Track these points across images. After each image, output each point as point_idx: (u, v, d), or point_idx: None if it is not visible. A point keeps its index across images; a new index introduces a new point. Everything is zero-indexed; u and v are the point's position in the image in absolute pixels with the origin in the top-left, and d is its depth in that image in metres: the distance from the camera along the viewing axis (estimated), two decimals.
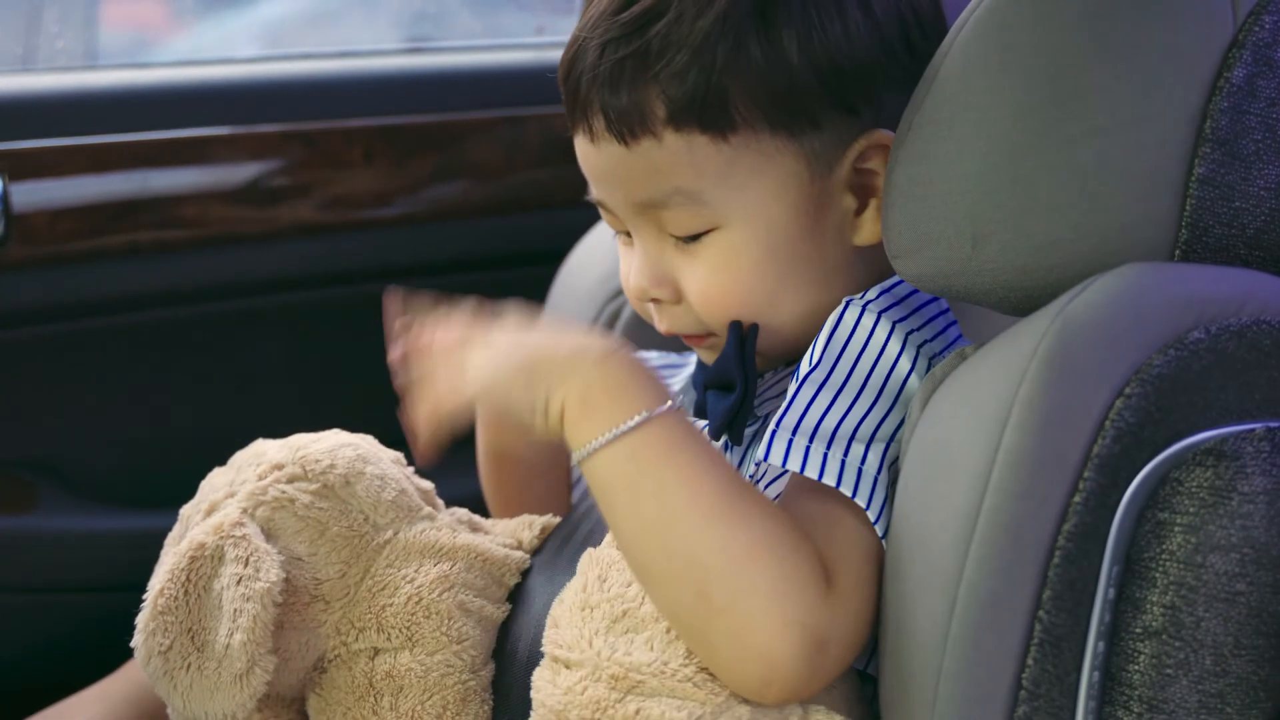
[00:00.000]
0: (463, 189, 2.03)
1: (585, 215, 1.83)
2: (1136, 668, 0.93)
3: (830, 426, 1.09)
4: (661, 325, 1.22)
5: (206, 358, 1.96)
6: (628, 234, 1.21)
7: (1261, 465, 0.92)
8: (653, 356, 1.41)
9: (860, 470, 1.06)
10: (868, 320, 1.12)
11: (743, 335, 1.17)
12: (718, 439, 1.18)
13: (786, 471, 1.10)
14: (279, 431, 1.97)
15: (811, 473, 1.06)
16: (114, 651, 1.47)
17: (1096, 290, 0.97)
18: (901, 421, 1.10)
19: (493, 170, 2.03)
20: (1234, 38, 0.99)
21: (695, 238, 1.16)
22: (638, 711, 1.01)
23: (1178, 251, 1.00)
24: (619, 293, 1.63)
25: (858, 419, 1.10)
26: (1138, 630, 0.93)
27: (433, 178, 2.01)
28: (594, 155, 1.16)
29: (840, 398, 1.10)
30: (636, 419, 1.05)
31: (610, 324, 1.62)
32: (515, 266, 2.04)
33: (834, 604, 1.02)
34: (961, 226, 1.03)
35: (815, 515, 1.06)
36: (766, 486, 1.16)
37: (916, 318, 1.17)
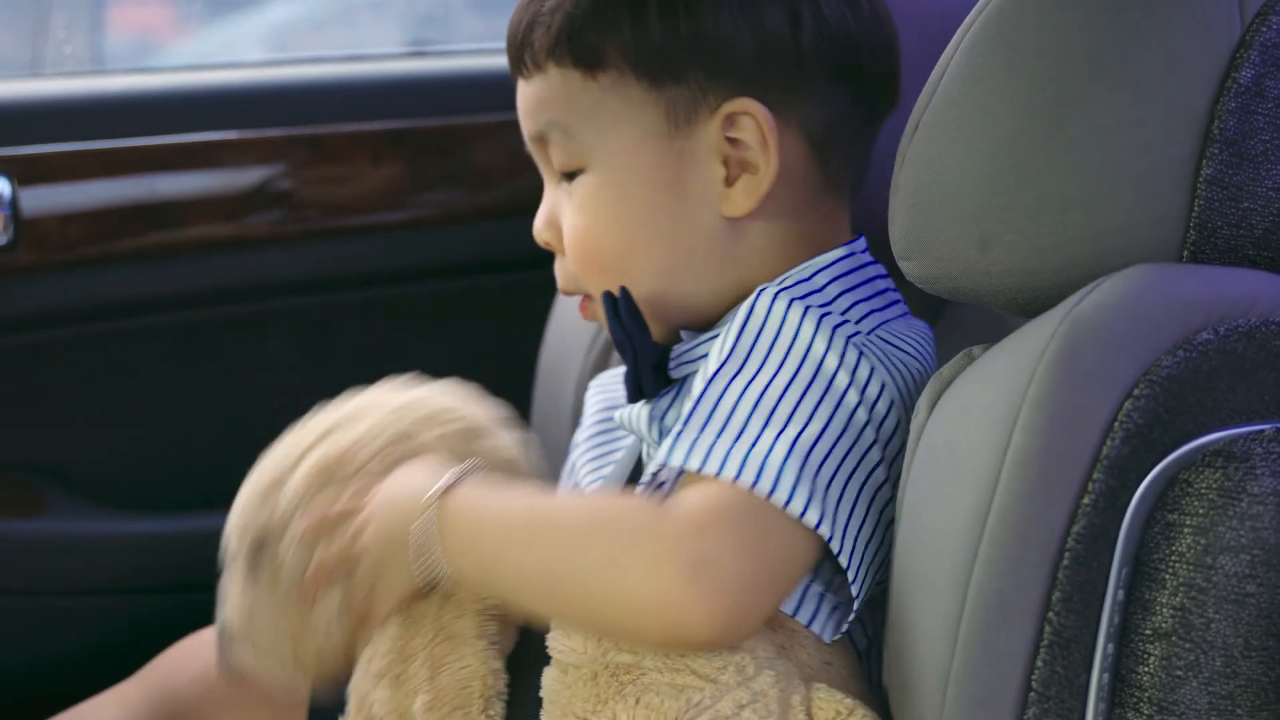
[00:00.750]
0: (470, 192, 2.03)
1: None
2: (1146, 669, 0.93)
3: (740, 419, 1.06)
4: (559, 279, 1.26)
5: (215, 362, 1.96)
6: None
7: (1271, 466, 0.92)
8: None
9: (765, 461, 1.03)
10: (779, 306, 1.10)
11: (614, 299, 1.19)
12: (633, 400, 1.21)
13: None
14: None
15: (710, 470, 1.03)
16: (121, 655, 1.48)
17: (1104, 292, 0.97)
18: (818, 404, 1.07)
19: (500, 173, 2.03)
20: (1241, 38, 0.99)
21: (570, 176, 1.20)
22: (638, 700, 1.02)
23: (1186, 252, 1.00)
24: None
25: (770, 406, 1.06)
26: (1147, 632, 0.93)
27: (440, 181, 2.01)
28: (519, 89, 1.24)
29: (751, 386, 1.07)
30: (427, 503, 1.12)
31: None
32: (523, 269, 2.03)
33: (720, 534, 1.00)
34: (968, 228, 1.03)
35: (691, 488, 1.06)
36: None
37: (838, 304, 1.16)
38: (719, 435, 1.05)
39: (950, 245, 1.04)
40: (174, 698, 1.42)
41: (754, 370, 1.08)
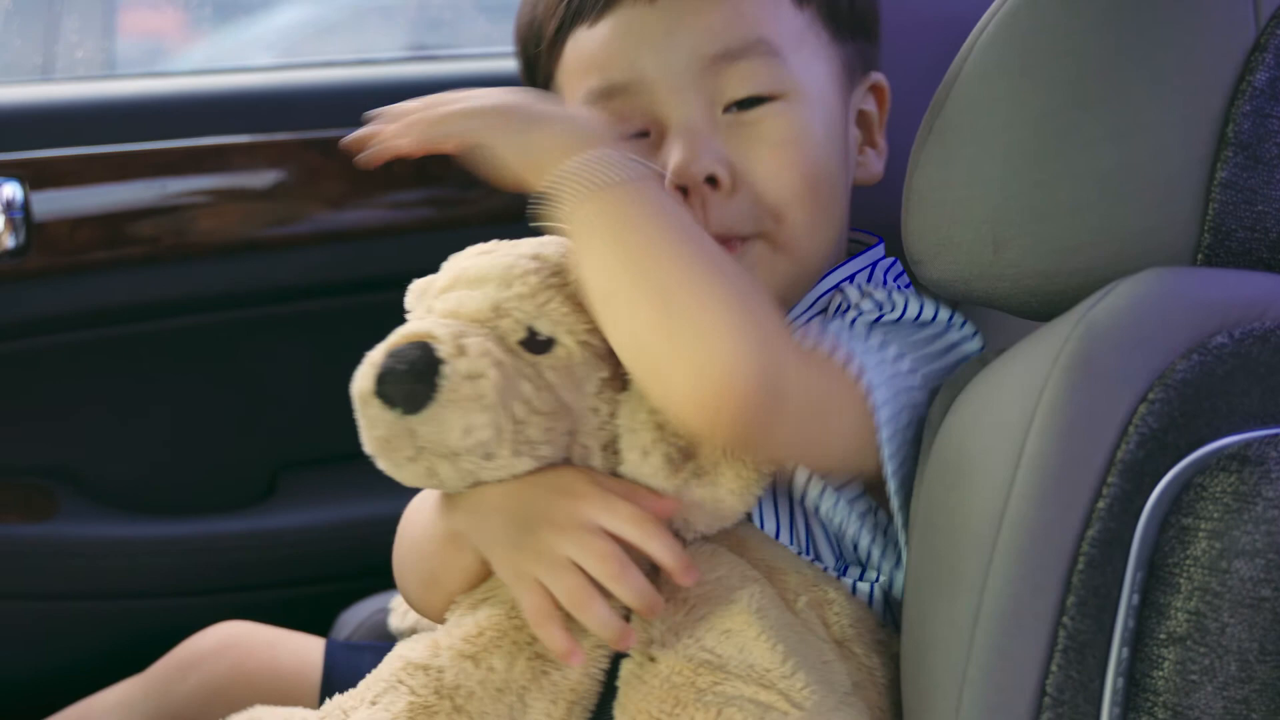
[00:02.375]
0: (479, 196, 2.03)
1: None
2: (1161, 674, 0.93)
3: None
4: (711, 222, 1.14)
5: (226, 365, 1.96)
6: (642, 135, 1.17)
7: None
8: None
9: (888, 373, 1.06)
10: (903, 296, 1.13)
11: None
12: None
13: None
14: (300, 438, 1.98)
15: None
16: (133, 658, 1.48)
17: (1119, 295, 0.97)
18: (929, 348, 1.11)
19: None
20: (1256, 41, 0.99)
21: (754, 104, 1.14)
22: (719, 713, 1.01)
23: (1200, 256, 1.00)
24: None
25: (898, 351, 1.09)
26: (1162, 636, 0.93)
27: (449, 185, 2.01)
28: (648, 15, 1.14)
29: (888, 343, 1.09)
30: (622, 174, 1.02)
31: None
32: None
33: (802, 360, 1.01)
34: (982, 231, 1.02)
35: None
36: None
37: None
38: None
39: (964, 248, 1.04)
40: (177, 701, 1.41)
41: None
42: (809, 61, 1.15)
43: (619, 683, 1.06)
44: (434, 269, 2.01)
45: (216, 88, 1.99)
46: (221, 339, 1.95)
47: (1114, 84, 0.98)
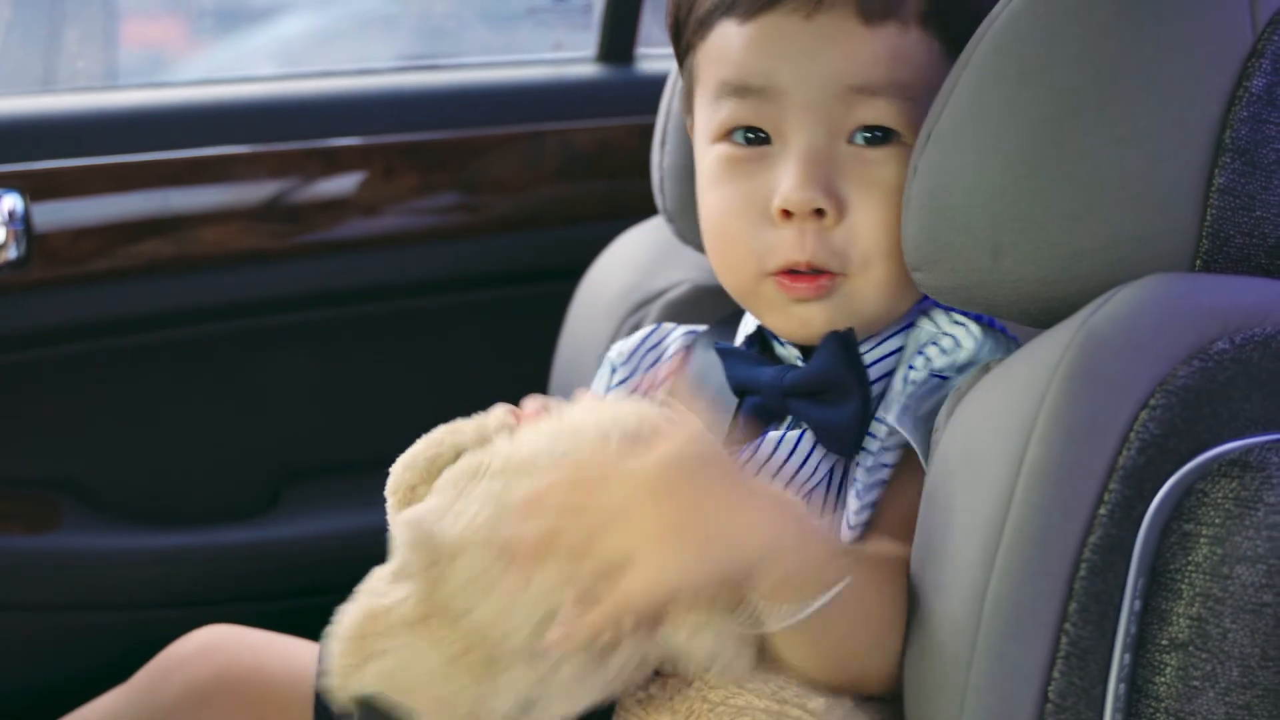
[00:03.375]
0: (483, 205, 2.03)
1: (605, 230, 1.84)
2: (1163, 680, 0.93)
3: None
4: (802, 251, 1.13)
5: (229, 376, 1.96)
6: (760, 140, 1.15)
7: None
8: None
9: None
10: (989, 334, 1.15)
11: (844, 339, 1.14)
12: (848, 455, 1.14)
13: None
14: (304, 448, 1.98)
15: None
16: (136, 669, 1.48)
17: (1119, 302, 0.97)
18: None
19: (513, 186, 2.03)
20: (1253, 47, 0.99)
21: (881, 141, 1.13)
22: None
23: (1199, 262, 1.00)
24: (638, 306, 1.63)
25: None
26: (1164, 642, 0.93)
27: (453, 194, 2.01)
28: (799, 29, 1.12)
29: None
30: (829, 595, 0.98)
31: None
32: (535, 282, 2.04)
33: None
34: (981, 238, 1.03)
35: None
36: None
37: None
38: None
39: (963, 255, 1.04)
40: (162, 705, 1.41)
41: None
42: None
43: (622, 694, 1.06)
44: (437, 278, 2.03)
45: (218, 98, 1.99)
46: (224, 349, 1.95)
47: (1112, 91, 0.99)
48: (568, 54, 2.29)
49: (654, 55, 2.16)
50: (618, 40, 2.15)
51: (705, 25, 1.17)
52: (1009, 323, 1.15)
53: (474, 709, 0.98)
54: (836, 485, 1.14)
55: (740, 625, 0.98)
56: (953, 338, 1.15)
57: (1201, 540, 0.93)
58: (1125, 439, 0.93)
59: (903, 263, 1.11)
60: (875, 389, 1.16)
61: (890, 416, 1.11)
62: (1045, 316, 1.03)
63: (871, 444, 1.13)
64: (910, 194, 1.08)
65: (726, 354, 1.22)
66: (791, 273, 1.14)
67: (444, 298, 2.04)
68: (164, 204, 1.87)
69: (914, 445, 1.09)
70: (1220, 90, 0.99)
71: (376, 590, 1.02)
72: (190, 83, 2.13)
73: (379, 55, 2.74)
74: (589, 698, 1.00)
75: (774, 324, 1.19)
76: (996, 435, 0.97)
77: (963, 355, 1.13)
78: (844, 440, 1.13)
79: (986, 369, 1.06)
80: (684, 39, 1.21)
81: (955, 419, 1.04)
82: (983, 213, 1.02)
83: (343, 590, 1.78)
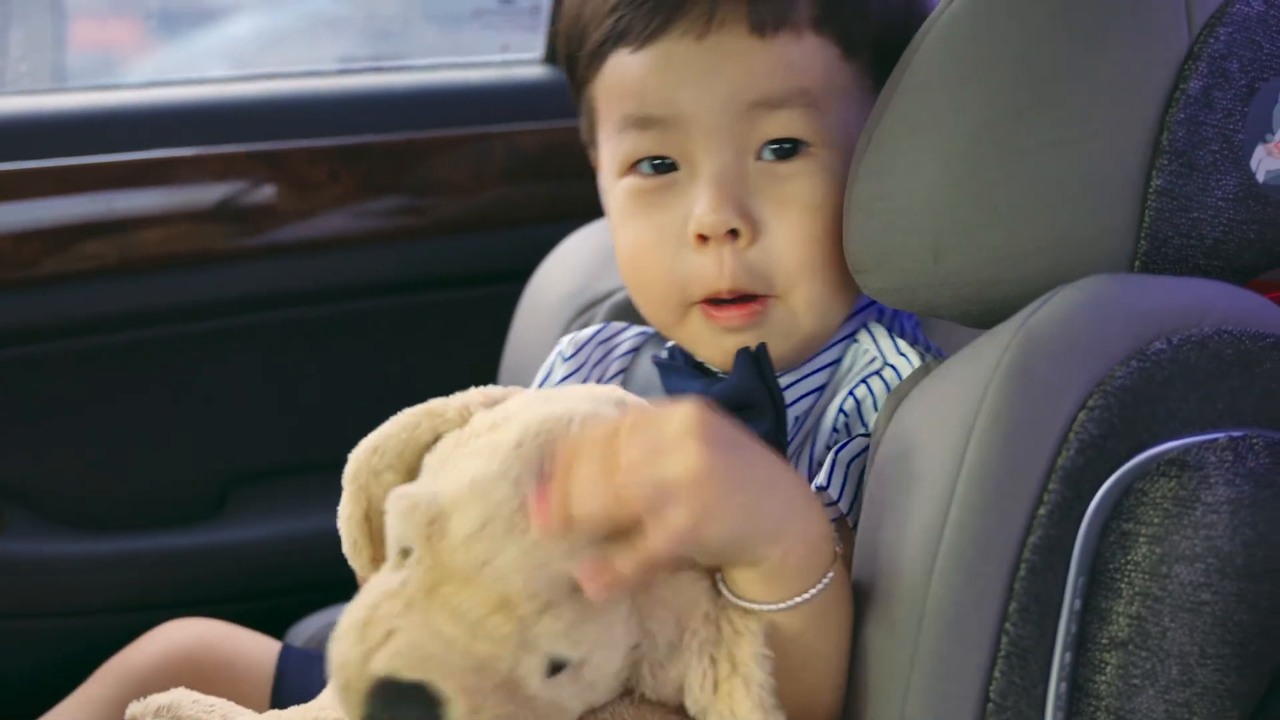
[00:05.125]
0: (429, 207, 2.02)
1: (552, 232, 1.84)
2: (1103, 678, 0.94)
3: None
4: (723, 277, 1.12)
5: (176, 379, 1.95)
6: (667, 167, 1.14)
7: (1225, 475, 0.93)
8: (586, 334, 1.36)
9: None
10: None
11: (756, 356, 1.12)
12: None
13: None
14: (250, 451, 1.97)
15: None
16: (83, 676, 1.47)
17: (1058, 303, 0.97)
18: None
19: (459, 188, 2.02)
20: (1190, 49, 1.00)
21: (790, 153, 1.12)
22: None
23: (1137, 263, 1.01)
24: (585, 308, 1.63)
25: None
26: (1104, 641, 0.94)
27: (399, 196, 2.01)
28: (692, 52, 1.11)
29: None
30: (823, 582, 0.96)
31: None
32: (482, 284, 2.04)
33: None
34: (923, 240, 1.03)
35: None
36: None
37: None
38: None
39: (905, 257, 1.05)
40: (137, 685, 1.40)
41: None
42: (852, 116, 1.12)
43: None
44: (383, 281, 2.02)
45: (162, 101, 1.97)
46: (170, 353, 1.94)
47: (1049, 93, 0.99)
48: (515, 56, 2.28)
49: None
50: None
51: (598, 58, 1.16)
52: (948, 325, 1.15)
53: (510, 673, 0.90)
54: None
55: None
56: (894, 369, 1.14)
57: (1140, 539, 0.93)
58: (1064, 439, 0.94)
59: (830, 278, 1.12)
60: (807, 404, 1.17)
61: (821, 474, 1.08)
62: (986, 317, 1.04)
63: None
64: (852, 197, 1.08)
65: (662, 367, 1.21)
66: (716, 302, 1.13)
67: (390, 300, 2.03)
68: (109, 207, 1.85)
69: (843, 512, 1.08)
70: (1157, 92, 1.00)
71: (379, 580, 0.94)
72: (134, 85, 2.11)
73: (327, 56, 2.73)
74: (627, 642, 0.94)
75: (707, 356, 1.18)
76: (936, 436, 0.97)
77: None
78: None
79: (926, 370, 1.07)
80: (578, 73, 1.20)
81: (895, 420, 1.04)
82: (923, 215, 1.03)
83: (291, 594, 1.78)
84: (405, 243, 2.01)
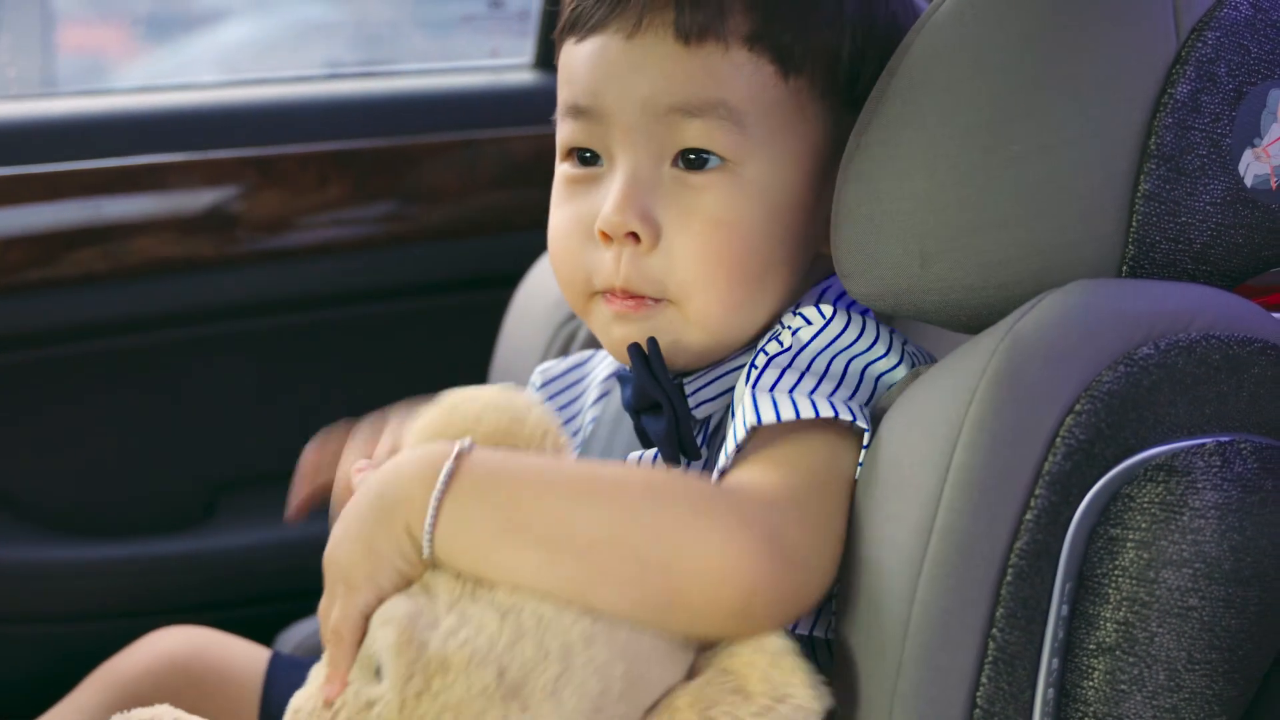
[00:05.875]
0: (419, 213, 2.02)
1: (542, 237, 1.83)
2: (1091, 684, 0.94)
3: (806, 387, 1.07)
4: (618, 276, 1.13)
5: (166, 386, 1.95)
6: (592, 161, 1.16)
7: (1212, 480, 0.93)
8: (559, 363, 1.39)
9: (839, 404, 1.05)
10: (841, 315, 1.11)
11: (644, 353, 1.13)
12: (677, 462, 1.14)
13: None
14: (240, 457, 1.97)
15: (805, 414, 1.03)
16: (72, 682, 1.46)
17: (1045, 308, 0.97)
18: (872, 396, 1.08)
19: (449, 194, 2.03)
20: (1177, 54, 1.00)
21: (704, 163, 1.11)
22: None
23: (1125, 267, 1.00)
24: (575, 314, 1.62)
25: (832, 387, 1.08)
26: (1091, 646, 0.94)
27: (389, 202, 2.01)
28: (621, 50, 1.12)
29: (807, 375, 1.08)
30: (446, 467, 0.98)
31: (565, 346, 1.61)
32: (471, 290, 2.04)
33: (786, 509, 1.00)
34: (909, 246, 1.03)
35: (769, 452, 1.04)
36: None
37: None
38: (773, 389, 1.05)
39: (892, 262, 1.04)
40: (127, 692, 1.40)
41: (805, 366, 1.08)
42: (779, 134, 1.12)
43: None
44: (372, 286, 2.02)
45: (151, 106, 1.97)
46: (160, 359, 1.94)
47: (1037, 99, 0.99)
48: (504, 61, 2.28)
49: None
50: (554, 47, 2.15)
51: (560, 43, 1.19)
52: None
53: None
54: None
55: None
56: (790, 329, 1.12)
57: (1128, 545, 0.93)
58: (1051, 444, 0.93)
59: (727, 296, 1.12)
60: (721, 404, 1.16)
61: (739, 419, 1.06)
62: (973, 322, 1.04)
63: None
64: (839, 202, 1.08)
65: (622, 379, 1.21)
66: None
67: (380, 306, 2.03)
68: (97, 213, 1.85)
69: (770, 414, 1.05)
70: (1145, 97, 1.00)
71: (350, 689, 0.97)
72: (123, 90, 2.12)
73: (317, 62, 2.74)
74: None
75: (605, 345, 1.19)
76: (923, 441, 0.97)
77: (806, 333, 1.10)
78: (667, 451, 1.13)
79: (915, 374, 1.06)
80: (554, 58, 1.23)
81: (883, 425, 1.04)
82: (910, 220, 1.03)
83: (280, 600, 1.77)
84: (395, 248, 2.01)
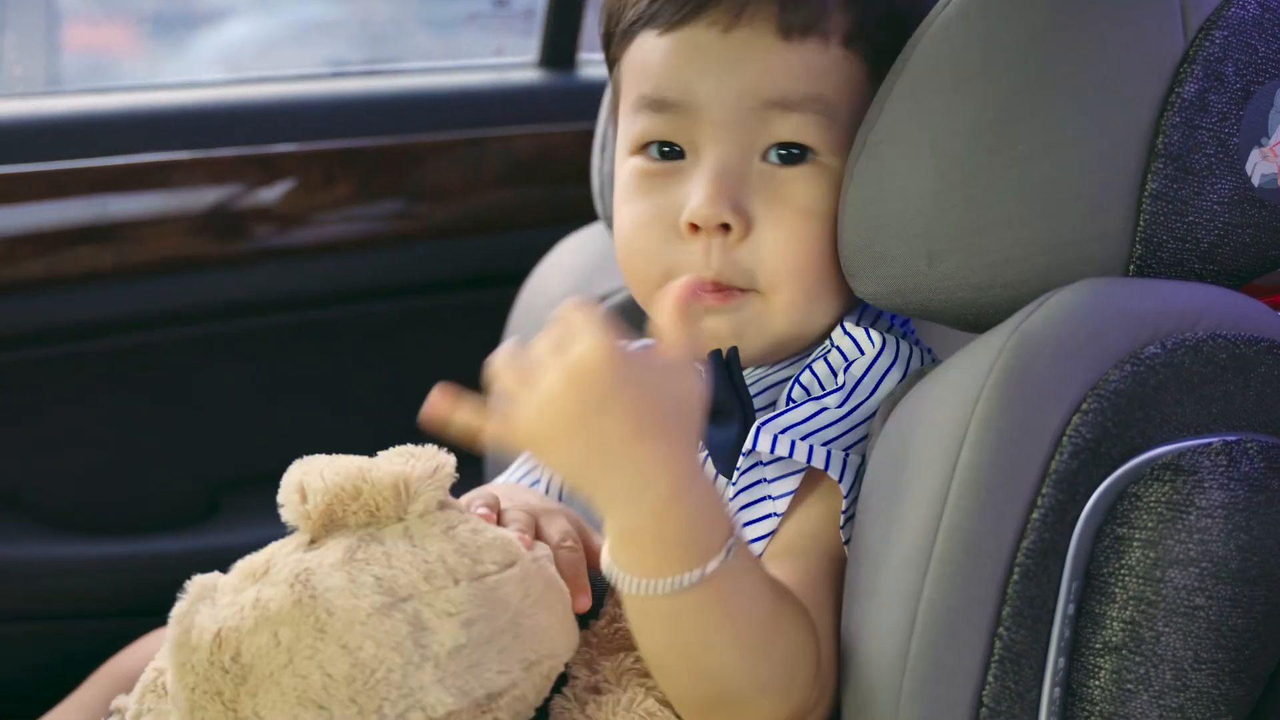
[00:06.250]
0: (424, 211, 2.02)
1: (547, 236, 1.84)
2: (1097, 683, 0.93)
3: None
4: (709, 267, 1.12)
5: (168, 384, 1.95)
6: (675, 154, 1.15)
7: (1218, 479, 0.93)
8: None
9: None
10: (879, 346, 1.13)
11: (725, 360, 1.13)
12: (729, 475, 1.12)
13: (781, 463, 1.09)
14: (243, 455, 1.97)
15: (800, 458, 1.06)
16: (74, 679, 1.47)
17: (1052, 306, 0.97)
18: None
19: (454, 192, 2.03)
20: (1185, 53, 1.00)
21: (795, 158, 1.12)
22: None
23: (1132, 267, 1.00)
24: None
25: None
26: (1098, 646, 0.94)
27: (394, 200, 2.01)
28: (716, 43, 1.11)
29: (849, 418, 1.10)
30: (698, 573, 0.93)
31: None
32: (476, 288, 2.04)
33: (821, 675, 1.01)
34: (916, 244, 1.03)
35: (796, 581, 1.04)
36: (770, 482, 1.11)
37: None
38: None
39: (899, 261, 1.04)
40: (130, 689, 1.40)
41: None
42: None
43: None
44: (377, 285, 2.02)
45: (156, 104, 1.97)
46: (163, 357, 1.94)
47: (1044, 98, 0.99)
48: (509, 59, 2.28)
49: (596, 61, 2.16)
50: (559, 45, 2.15)
51: (628, 36, 1.17)
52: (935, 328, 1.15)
53: None
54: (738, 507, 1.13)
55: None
56: (840, 351, 1.14)
57: (1134, 544, 0.93)
58: (1058, 443, 0.93)
59: (814, 286, 1.12)
60: (770, 395, 1.16)
61: (781, 442, 1.07)
62: (980, 321, 1.04)
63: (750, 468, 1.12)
64: (846, 201, 1.08)
65: None
66: None
67: (385, 304, 2.03)
68: (102, 211, 1.85)
69: (816, 465, 1.07)
70: (1152, 96, 0.99)
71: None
72: (127, 88, 2.11)
73: (322, 60, 2.74)
74: None
75: None
76: (930, 440, 0.97)
77: (857, 367, 1.12)
78: (724, 462, 1.12)
79: (921, 373, 1.06)
80: (611, 50, 1.21)
81: (889, 424, 1.04)
82: (917, 219, 1.03)
83: None
84: (400, 246, 2.01)
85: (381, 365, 2.02)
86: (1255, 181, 1.01)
